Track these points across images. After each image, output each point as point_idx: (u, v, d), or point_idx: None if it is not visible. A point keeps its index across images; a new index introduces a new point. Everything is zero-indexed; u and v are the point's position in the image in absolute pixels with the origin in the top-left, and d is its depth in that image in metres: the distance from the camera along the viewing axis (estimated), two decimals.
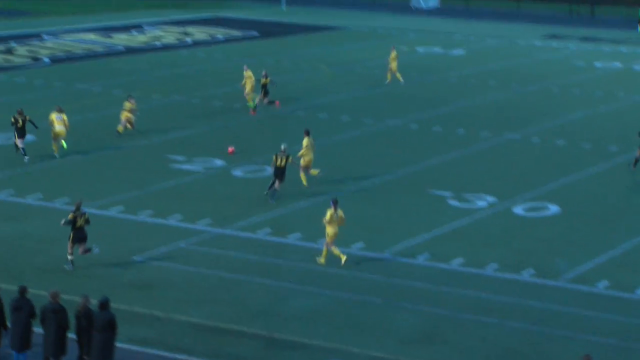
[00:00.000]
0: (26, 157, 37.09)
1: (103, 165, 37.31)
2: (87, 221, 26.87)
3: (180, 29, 73.05)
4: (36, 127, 38.23)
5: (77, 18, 77.21)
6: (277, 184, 33.17)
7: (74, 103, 46.80)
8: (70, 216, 26.86)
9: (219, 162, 37.90)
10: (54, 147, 37.91)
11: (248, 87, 46.02)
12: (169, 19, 78.01)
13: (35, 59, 58.82)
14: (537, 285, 27.24)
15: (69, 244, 26.88)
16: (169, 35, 69.98)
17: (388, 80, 53.50)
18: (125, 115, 41.35)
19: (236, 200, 33.50)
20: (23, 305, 21.18)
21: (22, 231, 29.18)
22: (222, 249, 29.03)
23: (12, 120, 37.30)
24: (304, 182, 34.61)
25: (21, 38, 65.66)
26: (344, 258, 27.81)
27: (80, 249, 26.93)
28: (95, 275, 26.64)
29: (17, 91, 49.21)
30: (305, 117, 45.94)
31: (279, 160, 33.00)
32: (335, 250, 27.91)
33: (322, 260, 28.00)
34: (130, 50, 63.40)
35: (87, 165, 37.25)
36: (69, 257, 26.99)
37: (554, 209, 33.85)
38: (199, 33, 71.44)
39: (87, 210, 31.74)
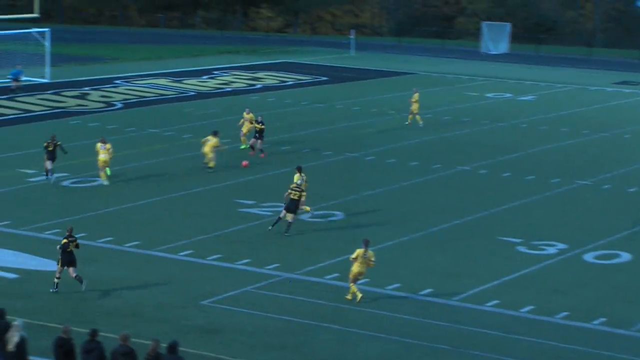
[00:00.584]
0: (53, 177, 39.97)
1: (172, 209, 37.62)
2: (76, 246, 28.17)
3: (250, 74, 73.71)
4: (65, 152, 40.86)
5: (149, 64, 78.27)
6: (285, 214, 34.10)
7: (145, 147, 47.36)
8: (63, 241, 28.07)
9: None
10: (102, 176, 40.05)
11: (245, 129, 47.10)
12: (239, 65, 78.77)
13: (109, 104, 59.69)
14: (609, 334, 26.84)
15: (58, 268, 28.09)
16: (239, 81, 70.65)
17: (408, 122, 54.22)
18: (209, 147, 42.44)
19: (304, 245, 33.54)
20: (93, 348, 21.34)
21: (93, 274, 29.42)
22: (290, 294, 29.02)
23: (45, 144, 40.29)
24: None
25: (95, 84, 66.69)
26: (359, 296, 28.07)
27: (72, 272, 27.97)
28: (164, 319, 26.78)
29: (91, 135, 49.82)
30: (374, 162, 45.98)
31: (292, 194, 34.22)
32: (353, 287, 28.13)
33: (350, 297, 28.23)
34: (200, 95, 64.09)
35: (156, 209, 37.58)
36: (56, 280, 28.12)
37: (625, 256, 33.41)
38: (268, 78, 72.02)
39: (156, 253, 32.14)
